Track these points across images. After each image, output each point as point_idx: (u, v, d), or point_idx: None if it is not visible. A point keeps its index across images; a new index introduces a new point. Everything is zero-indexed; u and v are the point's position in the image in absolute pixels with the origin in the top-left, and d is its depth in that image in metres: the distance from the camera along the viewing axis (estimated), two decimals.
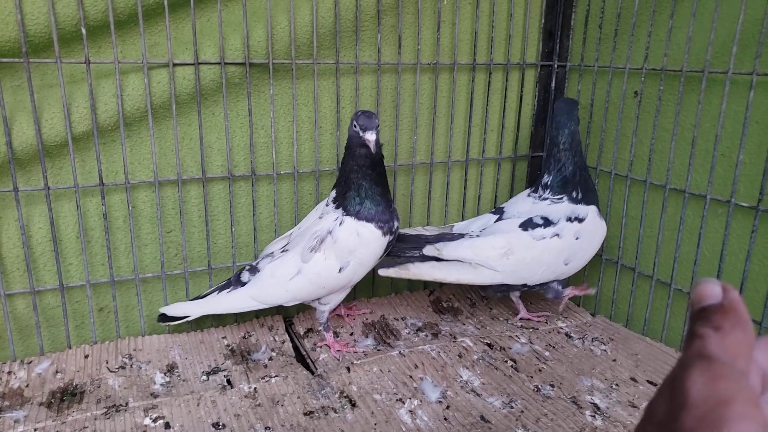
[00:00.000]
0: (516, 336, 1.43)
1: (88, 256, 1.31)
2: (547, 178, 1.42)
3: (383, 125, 1.50)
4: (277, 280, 1.28)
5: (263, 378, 1.24)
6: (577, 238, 1.37)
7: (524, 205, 1.44)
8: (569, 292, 1.47)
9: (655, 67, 1.37)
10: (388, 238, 1.28)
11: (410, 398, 1.18)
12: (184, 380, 1.24)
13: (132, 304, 1.39)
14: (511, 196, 1.68)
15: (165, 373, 1.26)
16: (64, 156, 1.24)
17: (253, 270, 1.32)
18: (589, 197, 1.40)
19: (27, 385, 1.20)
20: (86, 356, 1.31)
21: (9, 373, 1.24)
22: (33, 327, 1.30)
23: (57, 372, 1.25)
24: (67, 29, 1.17)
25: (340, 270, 1.26)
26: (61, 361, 1.29)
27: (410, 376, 1.25)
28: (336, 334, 1.41)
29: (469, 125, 1.61)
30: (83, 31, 1.16)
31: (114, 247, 1.33)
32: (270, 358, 1.32)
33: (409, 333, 1.44)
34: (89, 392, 1.18)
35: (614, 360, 1.33)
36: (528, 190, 1.48)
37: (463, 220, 1.65)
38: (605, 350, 1.38)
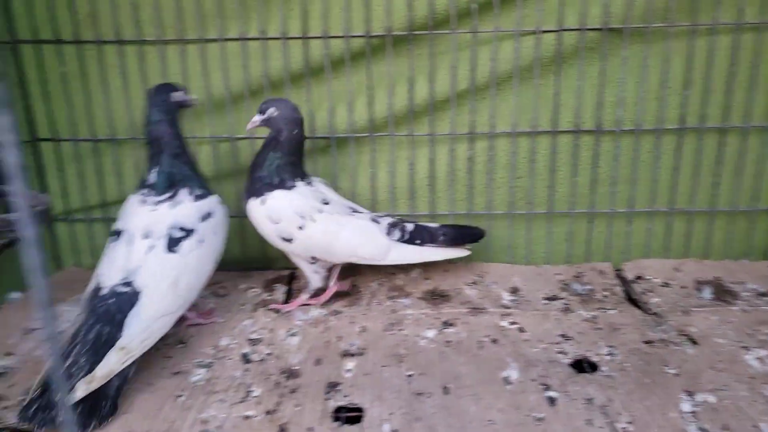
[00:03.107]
0: None
1: (453, 192, 1.61)
2: (151, 178, 1.28)
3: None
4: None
5: (599, 309, 1.39)
6: (215, 234, 1.30)
7: (140, 215, 1.26)
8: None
9: None
10: None
11: (756, 348, 1.20)
12: (527, 301, 1.45)
13: None
14: None
15: (510, 293, 1.49)
16: (447, 109, 1.55)
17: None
18: (206, 188, 1.32)
19: (406, 284, 1.55)
20: (446, 270, 1.60)
21: (392, 274, 1.60)
22: None
23: (426, 279, 1.57)
24: (461, 6, 1.46)
25: None
26: (427, 271, 1.61)
27: (755, 330, 1.27)
28: None
29: None
30: (475, 6, 1.44)
31: (474, 186, 1.61)
32: (604, 296, 1.46)
33: (749, 296, 1.43)
34: (453, 296, 1.48)
35: None
36: (136, 194, 1.30)
37: None
38: None
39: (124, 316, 1.12)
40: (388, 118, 1.54)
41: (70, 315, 1.25)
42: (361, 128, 1.56)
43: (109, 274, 1.18)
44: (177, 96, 1.31)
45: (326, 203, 1.39)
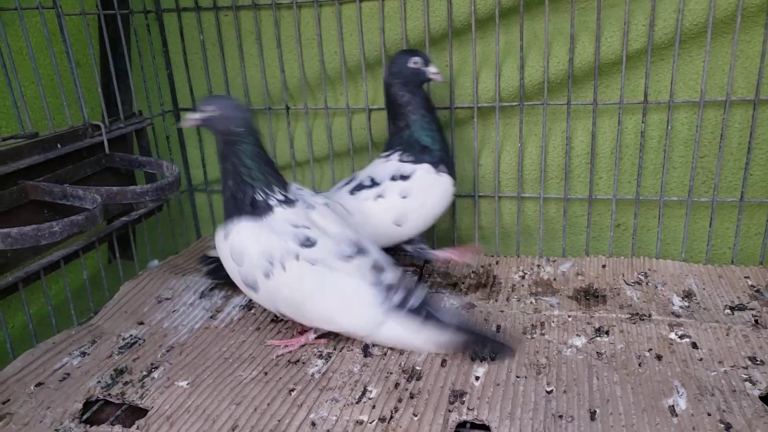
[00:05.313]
0: None
1: (618, 172, 1.36)
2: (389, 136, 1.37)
3: None
4: None
5: None
6: (404, 197, 1.28)
7: (371, 166, 1.37)
8: (443, 254, 1.38)
9: None
10: None
11: None
12: (705, 309, 1.20)
13: (649, 225, 1.40)
14: None
15: (683, 298, 1.24)
16: (615, 73, 1.30)
17: None
18: (419, 156, 1.30)
19: (554, 279, 1.36)
20: (603, 266, 1.39)
21: (538, 266, 1.42)
22: (559, 230, 1.44)
23: (578, 274, 1.37)
24: None
25: None
26: (581, 265, 1.40)
27: None
28: None
29: None
30: None
31: (644, 166, 1.35)
32: None
33: None
34: (610, 297, 1.26)
35: None
36: None
37: None
38: None
39: None
40: (542, 84, 1.33)
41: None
42: (509, 96, 1.37)
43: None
44: (414, 63, 1.27)
45: (310, 243, 1.06)
